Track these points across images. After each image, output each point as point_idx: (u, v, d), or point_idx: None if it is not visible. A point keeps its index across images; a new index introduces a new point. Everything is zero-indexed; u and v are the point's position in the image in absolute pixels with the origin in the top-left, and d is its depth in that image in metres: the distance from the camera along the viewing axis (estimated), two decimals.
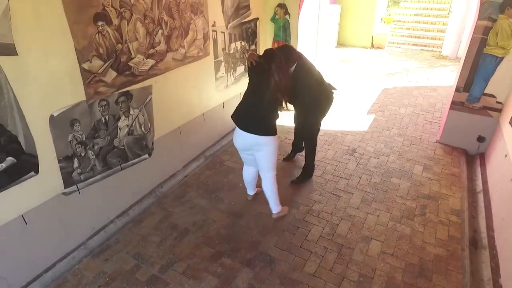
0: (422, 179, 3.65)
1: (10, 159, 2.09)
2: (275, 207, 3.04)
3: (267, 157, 2.79)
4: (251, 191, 3.33)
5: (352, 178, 3.67)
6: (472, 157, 4.09)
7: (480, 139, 4.05)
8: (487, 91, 3.80)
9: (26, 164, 2.20)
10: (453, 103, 4.05)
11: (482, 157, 4.02)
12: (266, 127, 2.70)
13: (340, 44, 9.60)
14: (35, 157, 2.22)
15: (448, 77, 6.93)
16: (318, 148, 4.23)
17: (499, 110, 3.81)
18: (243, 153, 2.98)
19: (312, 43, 7.91)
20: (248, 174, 3.17)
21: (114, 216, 3.01)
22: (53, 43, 2.16)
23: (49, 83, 2.19)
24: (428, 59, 8.27)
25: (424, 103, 5.64)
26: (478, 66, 3.72)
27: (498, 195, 3.03)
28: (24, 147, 2.15)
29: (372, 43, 9.41)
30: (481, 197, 3.35)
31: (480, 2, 3.50)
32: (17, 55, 1.97)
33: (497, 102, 3.79)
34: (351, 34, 9.44)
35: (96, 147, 2.66)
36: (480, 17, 3.54)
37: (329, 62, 8.06)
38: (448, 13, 9.23)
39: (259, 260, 2.67)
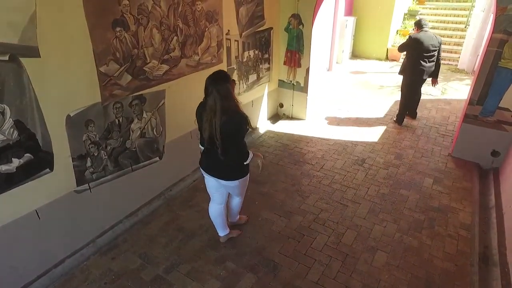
0: (432, 191, 3.59)
1: (27, 156, 2.20)
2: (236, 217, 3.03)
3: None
4: (222, 231, 2.87)
5: (360, 188, 3.65)
6: (485, 171, 4.01)
7: (494, 153, 3.96)
8: (501, 104, 3.74)
9: (42, 161, 2.30)
10: (466, 116, 3.99)
11: (496, 171, 3.93)
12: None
13: (355, 55, 9.60)
14: (50, 154, 2.33)
15: (463, 90, 6.82)
16: (327, 157, 4.25)
17: None
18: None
19: (326, 54, 7.97)
20: (215, 210, 2.77)
21: (123, 216, 3.09)
22: (73, 46, 2.27)
23: (67, 84, 2.31)
24: (443, 72, 8.14)
25: (437, 116, 5.56)
26: (493, 79, 3.67)
27: None
28: (41, 145, 2.25)
29: (387, 55, 9.37)
30: (493, 212, 3.27)
31: (495, 15, 3.48)
32: (40, 57, 2.09)
33: None
34: (366, 46, 9.43)
35: (108, 147, 2.75)
36: (495, 30, 3.52)
37: (342, 73, 8.08)
38: (465, 27, 9.13)
39: (263, 266, 2.68)
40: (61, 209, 2.52)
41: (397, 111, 5.31)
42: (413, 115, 5.41)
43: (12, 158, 2.12)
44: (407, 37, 4.86)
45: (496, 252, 2.80)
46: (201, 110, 2.32)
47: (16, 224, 2.25)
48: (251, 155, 2.42)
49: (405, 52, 4.93)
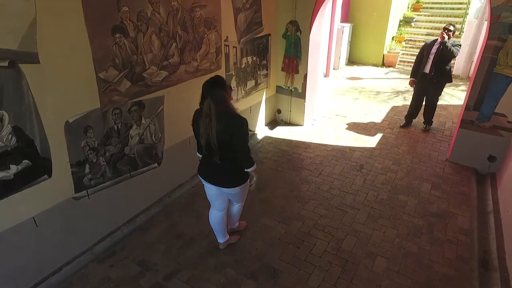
0: (430, 197, 3.60)
1: (25, 162, 2.18)
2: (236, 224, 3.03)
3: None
4: (222, 238, 2.86)
5: (359, 194, 3.65)
6: (482, 176, 4.03)
7: (491, 158, 3.99)
8: (497, 110, 3.77)
9: (40, 168, 2.28)
10: (463, 121, 4.03)
11: (493, 176, 3.95)
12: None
13: (351, 62, 9.69)
14: (49, 161, 2.31)
15: (459, 96, 6.90)
16: (325, 163, 4.26)
17: (511, 130, 3.77)
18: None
19: (323, 60, 8.03)
20: (215, 217, 2.74)
21: (122, 223, 3.06)
22: (73, 52, 2.27)
23: (66, 90, 2.30)
24: None
25: (434, 121, 5.58)
26: (489, 85, 3.72)
27: (510, 216, 2.97)
28: (39, 151, 2.23)
29: (383, 61, 9.47)
30: (491, 217, 3.28)
31: (490, 22, 3.54)
32: (39, 63, 2.09)
33: (508, 122, 3.76)
34: (362, 52, 9.53)
35: (107, 154, 2.73)
36: (490, 37, 3.57)
37: (339, 79, 8.13)
38: (459, 33, 9.26)
39: (263, 272, 2.66)
40: (58, 216, 2.49)
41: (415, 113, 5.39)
42: (410, 122, 5.47)
43: (10, 165, 2.10)
44: (458, 47, 4.65)
45: (496, 257, 2.80)
46: (197, 116, 2.31)
47: (13, 231, 2.22)
48: (255, 166, 2.37)
49: (423, 58, 4.96)
